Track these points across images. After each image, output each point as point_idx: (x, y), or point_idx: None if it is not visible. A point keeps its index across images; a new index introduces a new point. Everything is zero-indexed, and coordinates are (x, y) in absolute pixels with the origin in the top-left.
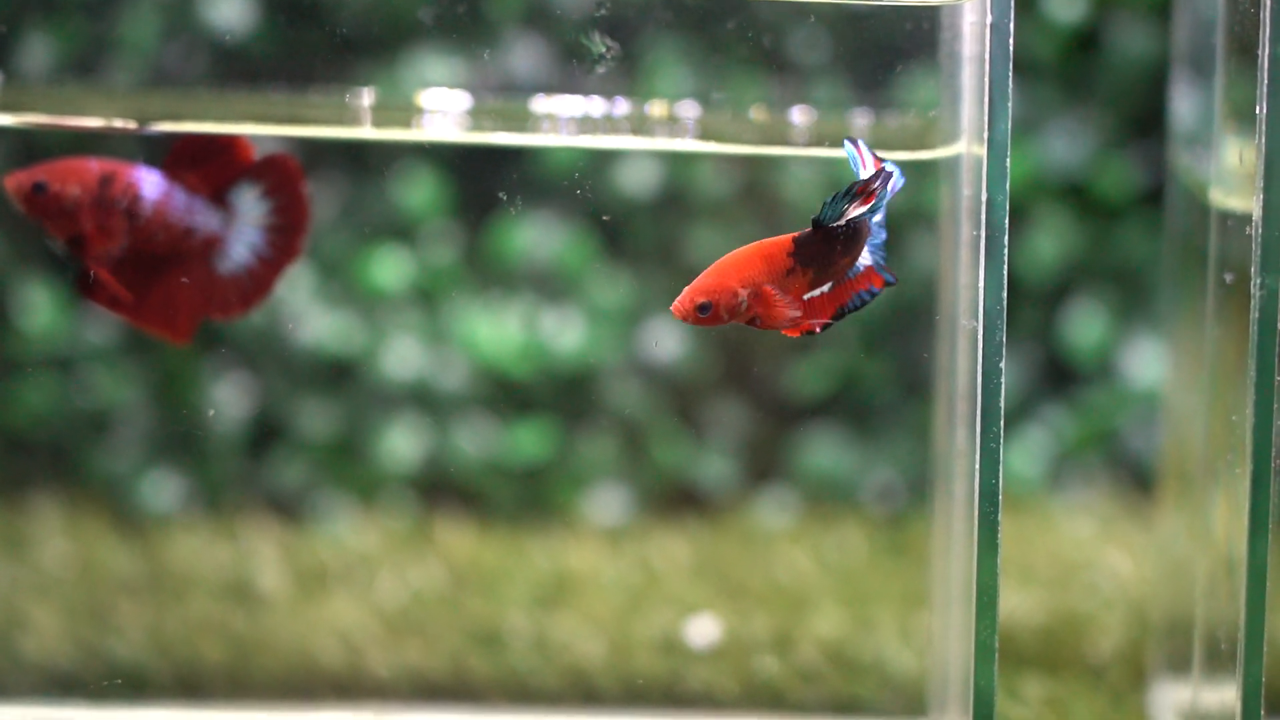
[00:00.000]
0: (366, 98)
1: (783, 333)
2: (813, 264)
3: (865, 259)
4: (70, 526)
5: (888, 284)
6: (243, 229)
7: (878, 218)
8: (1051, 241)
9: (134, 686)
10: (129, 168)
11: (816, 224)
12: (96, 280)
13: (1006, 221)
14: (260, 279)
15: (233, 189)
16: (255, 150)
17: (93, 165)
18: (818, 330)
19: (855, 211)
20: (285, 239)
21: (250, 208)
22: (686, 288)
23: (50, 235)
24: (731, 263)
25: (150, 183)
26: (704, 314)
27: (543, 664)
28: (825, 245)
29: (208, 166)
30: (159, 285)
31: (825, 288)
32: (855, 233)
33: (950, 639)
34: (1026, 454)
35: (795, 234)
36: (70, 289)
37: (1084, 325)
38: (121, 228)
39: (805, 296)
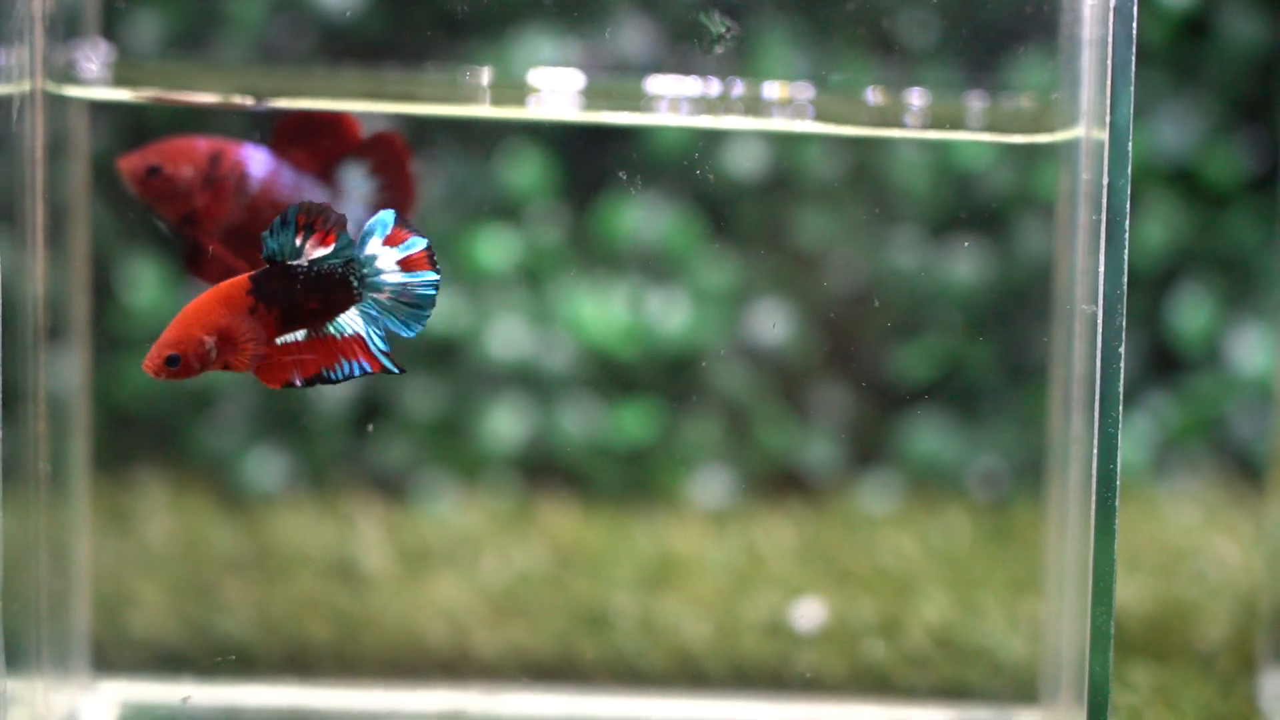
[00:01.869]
0: (482, 76)
1: (265, 384)
2: (275, 302)
3: (359, 326)
4: (176, 504)
5: (387, 370)
6: (350, 206)
7: (400, 299)
8: (1160, 227)
9: (242, 663)
10: (236, 146)
11: (268, 259)
12: (210, 256)
13: (1128, 206)
14: None
15: (339, 166)
16: (362, 128)
17: (201, 144)
18: (298, 384)
19: (312, 252)
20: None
21: (357, 185)
22: (154, 343)
23: (160, 216)
24: (192, 310)
25: (257, 160)
26: (173, 366)
27: (649, 645)
28: (285, 282)
29: (315, 144)
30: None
31: (299, 334)
32: (322, 279)
33: (1063, 626)
34: (1132, 441)
35: (253, 271)
36: (181, 266)
37: (1191, 312)
38: (230, 205)
39: (280, 340)
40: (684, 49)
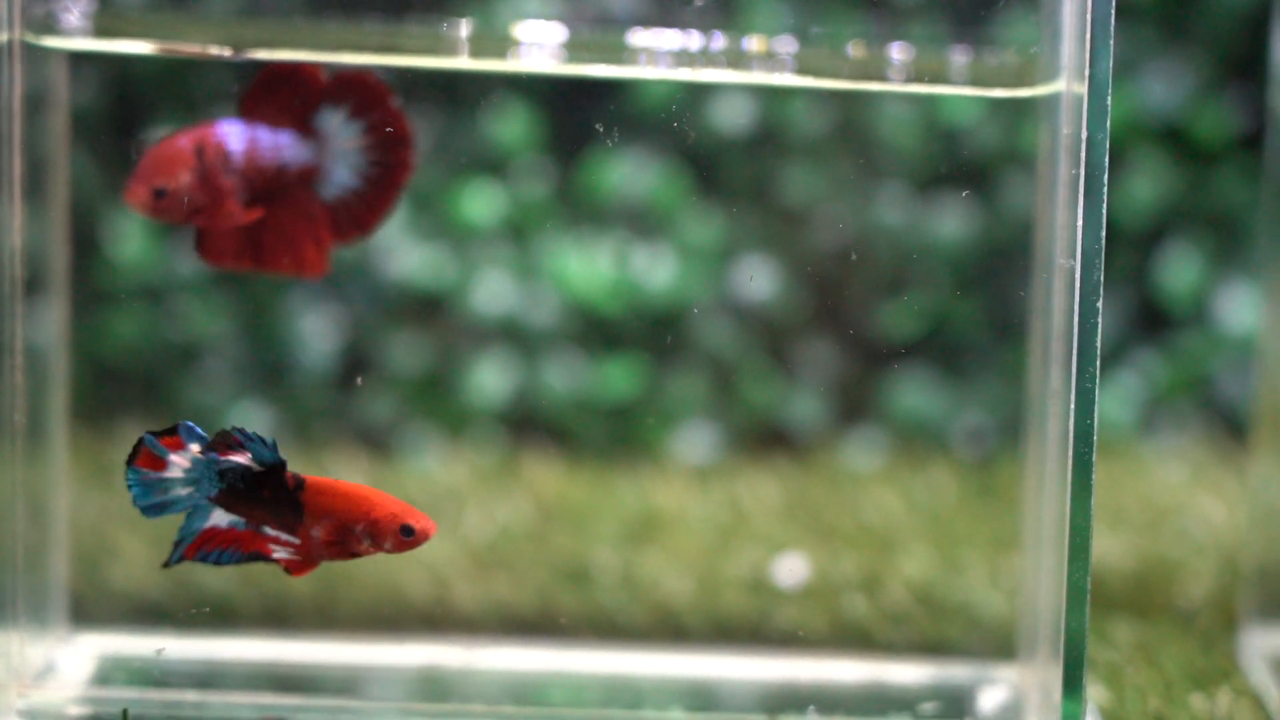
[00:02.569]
0: (463, 29)
1: None
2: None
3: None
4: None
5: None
6: (337, 153)
7: None
8: (1148, 184)
9: (221, 616)
10: (209, 127)
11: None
12: (219, 241)
13: (1106, 160)
14: (373, 199)
15: (314, 116)
16: (322, 73)
17: (183, 142)
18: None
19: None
20: (389, 155)
21: (339, 131)
22: None
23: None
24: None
25: (232, 134)
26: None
27: (630, 600)
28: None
29: (282, 99)
30: (272, 227)
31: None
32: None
33: (1041, 582)
34: (1119, 399)
35: None
36: (195, 257)
37: (1179, 270)
38: (229, 187)
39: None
40: (668, 3)
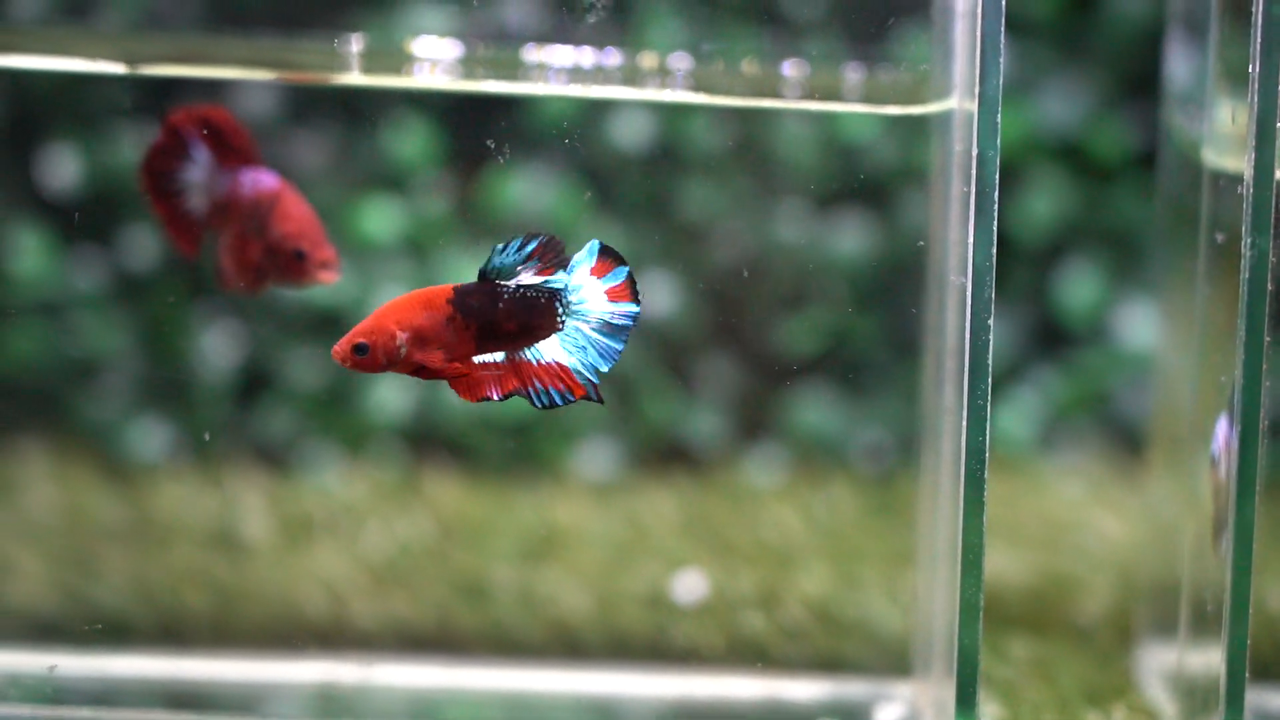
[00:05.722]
0: (356, 44)
1: (461, 395)
2: (474, 318)
3: (560, 355)
4: (56, 473)
5: (589, 399)
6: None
7: (602, 330)
8: (1045, 202)
9: (117, 633)
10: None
11: (481, 274)
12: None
13: (997, 177)
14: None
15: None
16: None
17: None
18: (495, 398)
19: (525, 277)
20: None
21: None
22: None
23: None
24: (391, 306)
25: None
26: (361, 355)
27: (528, 617)
28: (488, 300)
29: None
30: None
31: (498, 356)
32: (527, 303)
33: (935, 598)
34: (1017, 415)
35: (458, 284)
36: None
37: (1076, 286)
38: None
39: (478, 359)
40: (562, 18)
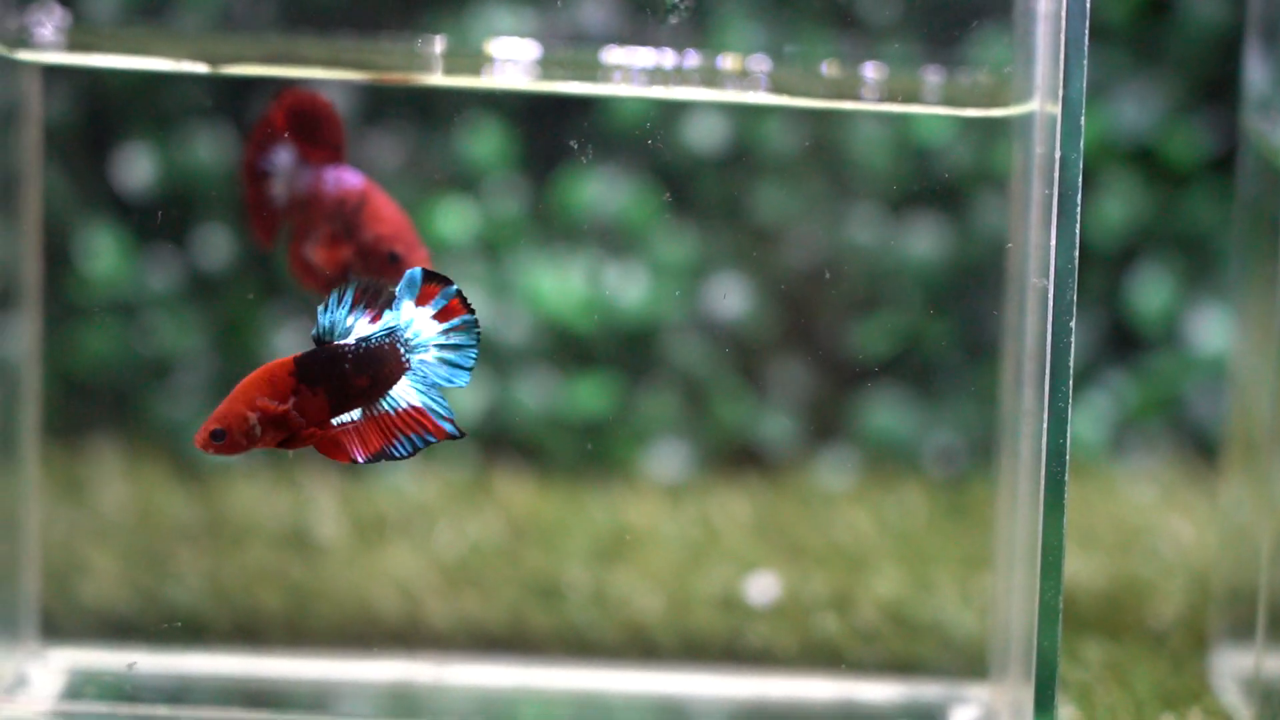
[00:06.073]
0: (437, 45)
1: (331, 457)
2: (321, 383)
3: (413, 396)
4: (131, 472)
5: (451, 436)
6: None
7: (443, 352)
8: (1119, 206)
9: (193, 631)
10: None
11: (315, 339)
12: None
13: (1080, 180)
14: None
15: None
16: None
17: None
18: (360, 461)
19: (358, 328)
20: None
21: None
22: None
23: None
24: (240, 389)
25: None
26: (219, 441)
27: (601, 618)
28: (329, 363)
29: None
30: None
31: (355, 414)
32: (369, 355)
33: (1013, 601)
34: (1090, 419)
35: (298, 354)
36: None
37: (1150, 291)
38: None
39: (336, 421)
40: (642, 20)
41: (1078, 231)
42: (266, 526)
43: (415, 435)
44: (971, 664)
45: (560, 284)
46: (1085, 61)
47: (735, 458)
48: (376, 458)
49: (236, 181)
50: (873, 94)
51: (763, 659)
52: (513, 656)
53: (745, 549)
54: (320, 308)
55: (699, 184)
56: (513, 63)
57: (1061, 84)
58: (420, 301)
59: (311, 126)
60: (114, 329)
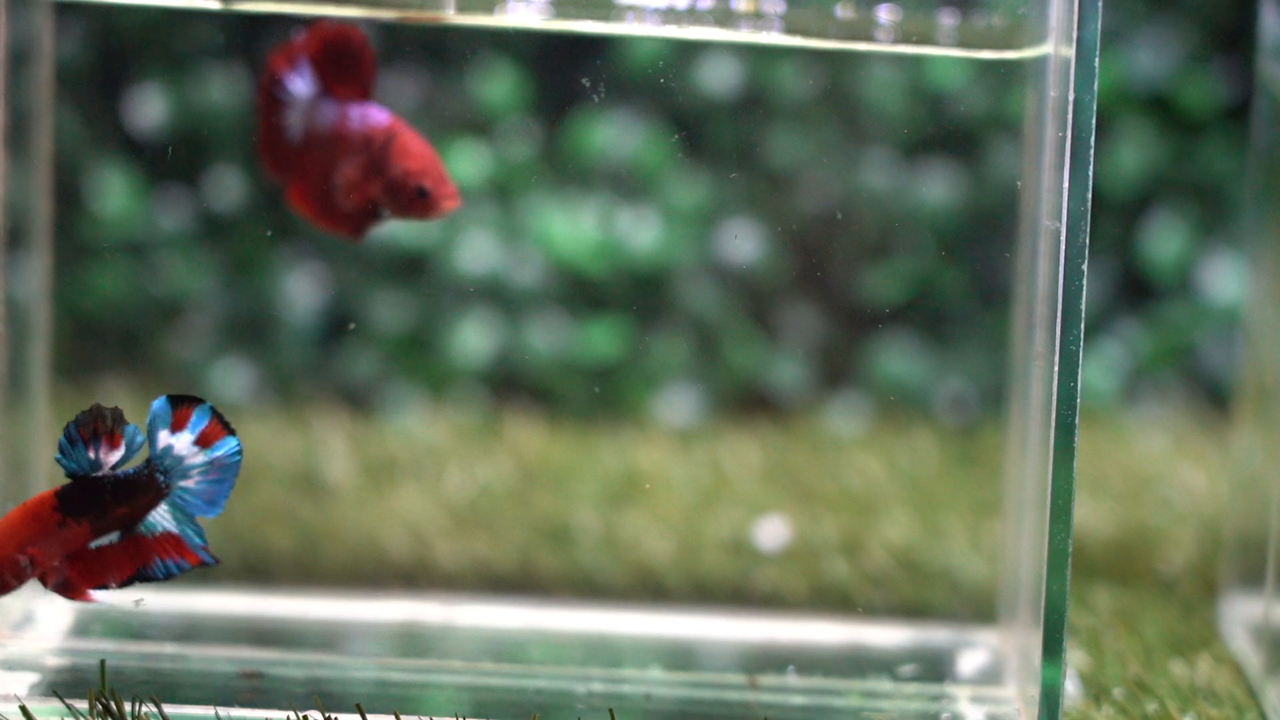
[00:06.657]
0: None
1: (81, 591)
2: (85, 514)
3: (169, 523)
4: (140, 412)
5: (205, 564)
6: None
7: (206, 477)
8: (1133, 154)
9: (202, 571)
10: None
11: (70, 474)
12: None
13: (1094, 122)
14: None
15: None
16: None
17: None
18: (113, 587)
19: (108, 459)
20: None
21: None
22: None
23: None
24: (4, 527)
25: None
26: None
27: (610, 560)
28: (90, 494)
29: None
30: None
31: (113, 538)
32: (127, 484)
33: (1022, 547)
34: (1102, 368)
35: (57, 487)
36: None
37: (1164, 240)
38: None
39: (94, 545)
40: None
41: (1090, 174)
42: (277, 467)
43: (169, 561)
44: (980, 609)
45: (572, 228)
46: (1100, 4)
47: (746, 403)
48: (129, 582)
49: (250, 112)
50: (887, 36)
51: (772, 603)
52: (522, 598)
53: (755, 494)
54: (56, 455)
55: (712, 127)
56: (526, 2)
57: (1076, 26)
58: (175, 427)
59: (343, 61)
60: (124, 269)
